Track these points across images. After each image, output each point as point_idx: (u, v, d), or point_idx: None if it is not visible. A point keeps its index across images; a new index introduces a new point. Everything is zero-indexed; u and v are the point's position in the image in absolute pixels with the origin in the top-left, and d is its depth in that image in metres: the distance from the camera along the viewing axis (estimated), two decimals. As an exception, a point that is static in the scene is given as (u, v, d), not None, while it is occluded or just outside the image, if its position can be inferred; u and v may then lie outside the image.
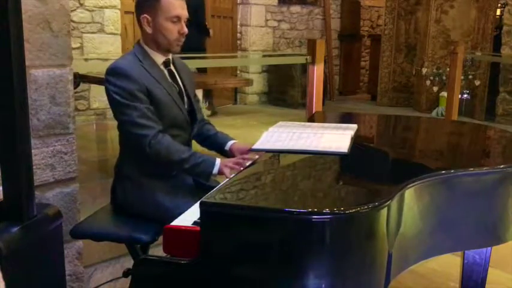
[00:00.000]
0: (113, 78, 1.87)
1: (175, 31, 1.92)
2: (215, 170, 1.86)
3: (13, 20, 1.47)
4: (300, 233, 1.23)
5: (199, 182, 2.02)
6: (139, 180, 1.95)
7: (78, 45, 5.79)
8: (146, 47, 1.96)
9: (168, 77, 2.00)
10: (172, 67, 2.04)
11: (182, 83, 2.06)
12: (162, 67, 1.99)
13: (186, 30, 1.94)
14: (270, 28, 7.91)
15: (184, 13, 1.93)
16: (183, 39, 1.96)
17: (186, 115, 2.02)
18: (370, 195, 1.48)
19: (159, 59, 1.98)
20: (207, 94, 6.55)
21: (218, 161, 1.88)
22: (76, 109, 4.53)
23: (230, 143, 2.11)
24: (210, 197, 1.38)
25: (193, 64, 4.40)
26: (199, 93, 5.27)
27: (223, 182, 1.63)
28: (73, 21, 5.52)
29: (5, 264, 1.32)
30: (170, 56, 2.02)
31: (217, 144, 2.14)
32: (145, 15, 1.91)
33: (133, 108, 1.84)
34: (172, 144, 1.88)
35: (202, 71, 5.42)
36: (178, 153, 1.87)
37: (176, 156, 1.86)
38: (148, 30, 1.93)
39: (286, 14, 8.10)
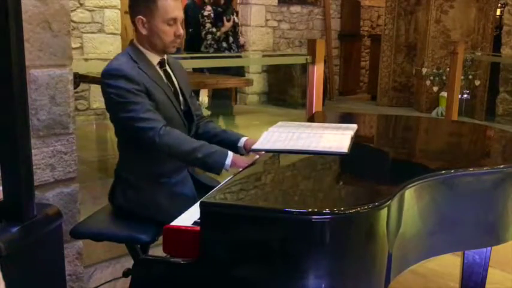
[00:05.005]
0: (111, 80, 1.83)
1: (172, 33, 1.90)
2: (228, 161, 1.80)
3: (13, 20, 1.47)
4: (300, 233, 1.23)
5: (199, 186, 1.98)
6: (139, 185, 1.92)
7: (78, 45, 5.79)
8: (141, 48, 1.94)
9: (164, 78, 1.98)
10: (167, 67, 2.01)
11: (178, 83, 2.04)
12: (157, 68, 1.97)
13: (182, 32, 1.92)
14: (270, 28, 7.91)
15: (180, 14, 1.91)
16: (178, 41, 1.95)
17: (182, 116, 1.99)
18: (370, 195, 1.47)
19: (155, 59, 1.96)
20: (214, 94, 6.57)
21: (231, 153, 1.83)
22: (76, 109, 4.53)
23: (243, 139, 2.05)
24: (210, 197, 1.38)
25: (193, 64, 4.40)
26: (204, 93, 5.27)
27: (223, 182, 1.63)
28: (73, 21, 5.53)
29: (5, 264, 1.32)
30: (165, 56, 2.00)
31: (229, 140, 2.06)
32: (140, 16, 1.88)
33: (136, 104, 1.81)
34: (181, 134, 1.84)
35: (201, 70, 5.42)
36: (189, 143, 1.83)
37: (187, 145, 1.82)
38: (144, 31, 1.90)
39: (286, 14, 8.10)
